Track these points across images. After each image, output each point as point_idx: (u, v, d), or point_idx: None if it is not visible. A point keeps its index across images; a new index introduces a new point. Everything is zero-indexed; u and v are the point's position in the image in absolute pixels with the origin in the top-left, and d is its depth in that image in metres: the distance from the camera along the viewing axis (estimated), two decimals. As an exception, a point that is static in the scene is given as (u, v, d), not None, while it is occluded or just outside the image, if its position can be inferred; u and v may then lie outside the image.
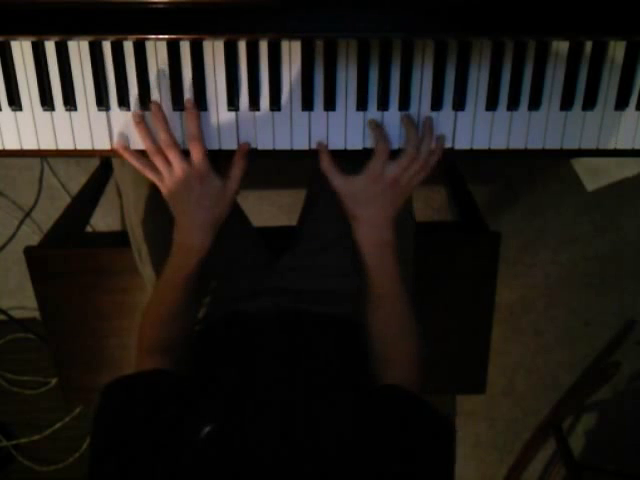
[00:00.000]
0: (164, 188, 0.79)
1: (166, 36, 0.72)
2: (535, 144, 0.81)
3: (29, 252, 1.06)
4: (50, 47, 0.75)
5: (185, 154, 0.77)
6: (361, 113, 0.79)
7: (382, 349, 0.81)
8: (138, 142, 0.79)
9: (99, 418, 0.65)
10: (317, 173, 0.99)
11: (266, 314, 0.87)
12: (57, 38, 0.74)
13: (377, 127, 0.78)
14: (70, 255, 1.08)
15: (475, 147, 0.81)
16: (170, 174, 0.77)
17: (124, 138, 0.80)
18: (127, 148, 0.79)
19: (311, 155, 0.81)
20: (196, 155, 0.76)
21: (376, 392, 0.71)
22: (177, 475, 0.57)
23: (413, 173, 0.77)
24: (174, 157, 0.76)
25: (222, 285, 0.94)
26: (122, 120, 0.79)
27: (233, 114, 0.79)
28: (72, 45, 0.75)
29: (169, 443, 0.60)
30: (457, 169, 1.49)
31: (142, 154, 0.79)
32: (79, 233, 1.29)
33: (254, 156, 0.80)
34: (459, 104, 0.78)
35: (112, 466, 0.59)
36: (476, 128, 0.80)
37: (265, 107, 0.78)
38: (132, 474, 0.58)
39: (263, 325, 0.84)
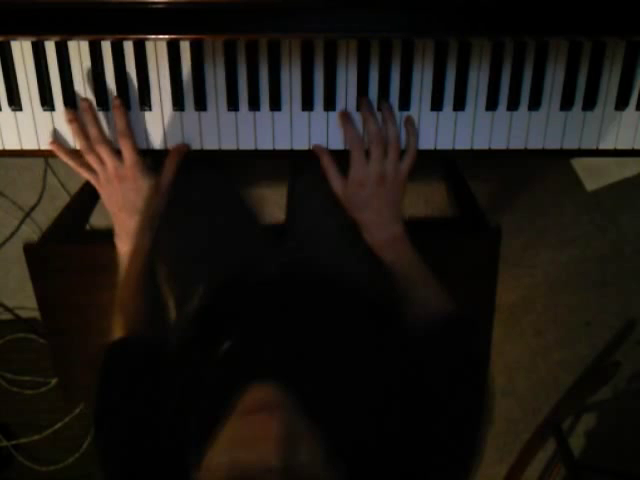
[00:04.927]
0: (99, 187, 0.80)
1: (166, 36, 0.72)
2: (535, 144, 0.81)
3: (28, 249, 1.06)
4: (50, 47, 0.75)
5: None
6: (361, 113, 0.79)
7: None
8: (139, 141, 0.79)
9: (110, 359, 0.69)
10: (298, 173, 0.98)
11: (271, 276, 0.85)
12: (57, 38, 0.74)
13: (349, 129, 0.78)
14: (70, 252, 1.07)
15: (475, 147, 0.81)
16: (103, 171, 0.78)
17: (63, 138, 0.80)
18: (60, 147, 0.79)
19: (311, 155, 0.81)
20: (126, 151, 0.77)
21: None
22: (198, 390, 0.59)
23: (393, 161, 0.77)
24: (105, 154, 0.77)
25: (219, 266, 0.93)
26: (122, 120, 0.79)
27: (233, 114, 0.79)
28: (72, 45, 0.75)
29: (189, 362, 0.62)
30: (457, 168, 1.49)
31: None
32: (78, 232, 1.29)
33: (254, 156, 0.80)
34: (459, 104, 0.78)
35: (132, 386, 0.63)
36: (476, 128, 0.80)
37: (265, 107, 0.78)
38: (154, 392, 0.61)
39: (270, 285, 0.81)
